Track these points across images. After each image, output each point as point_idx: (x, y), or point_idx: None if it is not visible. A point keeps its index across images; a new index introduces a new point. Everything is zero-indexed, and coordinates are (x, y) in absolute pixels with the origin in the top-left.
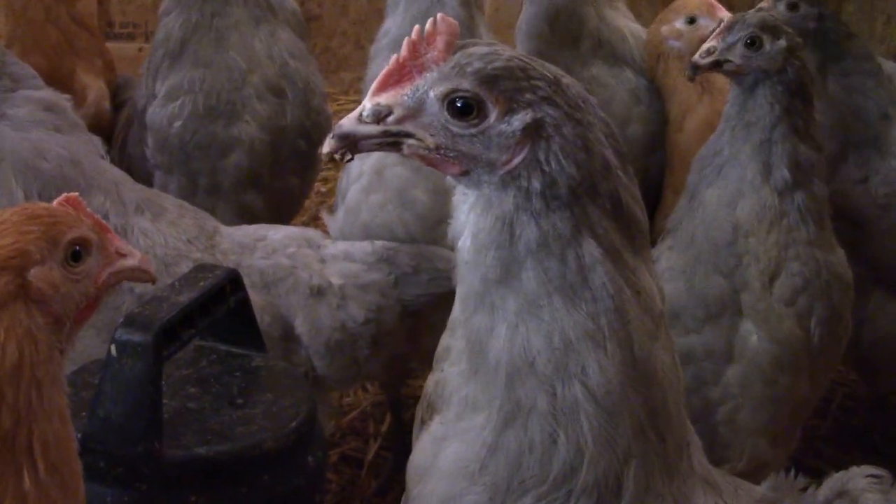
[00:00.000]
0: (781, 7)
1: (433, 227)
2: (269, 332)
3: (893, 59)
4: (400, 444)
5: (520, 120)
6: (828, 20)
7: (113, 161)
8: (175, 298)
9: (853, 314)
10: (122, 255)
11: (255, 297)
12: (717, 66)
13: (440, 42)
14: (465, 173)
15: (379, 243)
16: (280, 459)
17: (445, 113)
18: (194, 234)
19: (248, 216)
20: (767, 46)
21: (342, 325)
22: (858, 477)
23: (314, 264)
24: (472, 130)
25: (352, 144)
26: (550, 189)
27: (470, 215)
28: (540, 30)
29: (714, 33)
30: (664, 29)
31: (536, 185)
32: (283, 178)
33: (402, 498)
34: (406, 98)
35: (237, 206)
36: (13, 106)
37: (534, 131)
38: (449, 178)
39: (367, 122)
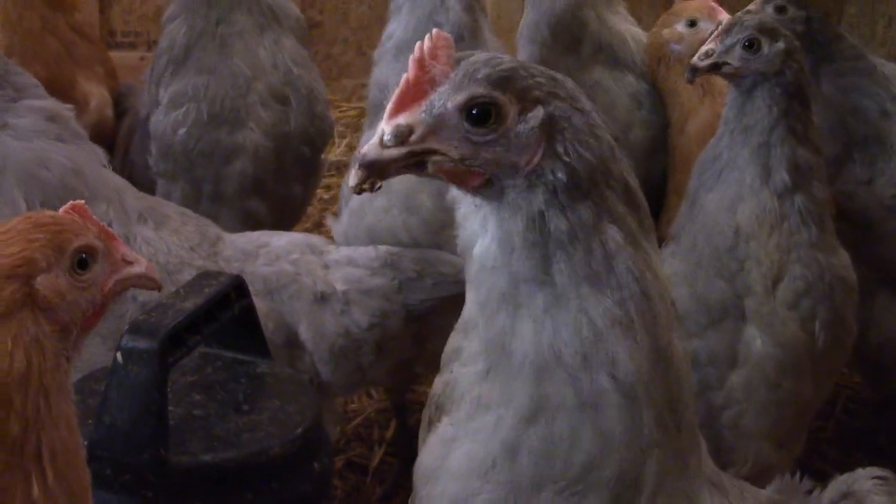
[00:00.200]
0: (769, 10)
1: (438, 231)
2: (272, 339)
3: (895, 61)
4: (405, 449)
5: (534, 117)
6: (815, 22)
7: (115, 169)
8: (180, 305)
9: (859, 316)
10: (129, 263)
11: (259, 304)
12: (715, 68)
13: (443, 56)
14: (486, 184)
15: (383, 248)
16: (286, 466)
17: (465, 123)
18: (197, 241)
19: (251, 223)
20: (765, 49)
21: (346, 330)
22: (864, 479)
23: (317, 270)
24: (493, 136)
25: (379, 172)
26: (572, 180)
27: (489, 224)
28: (541, 35)
29: (712, 36)
30: (665, 32)
31: (562, 177)
32: (286, 184)
33: (409, 499)
34: (424, 115)
35: (241, 213)
36: (16, 116)
37: (548, 126)
38: (454, 192)
39: (390, 146)
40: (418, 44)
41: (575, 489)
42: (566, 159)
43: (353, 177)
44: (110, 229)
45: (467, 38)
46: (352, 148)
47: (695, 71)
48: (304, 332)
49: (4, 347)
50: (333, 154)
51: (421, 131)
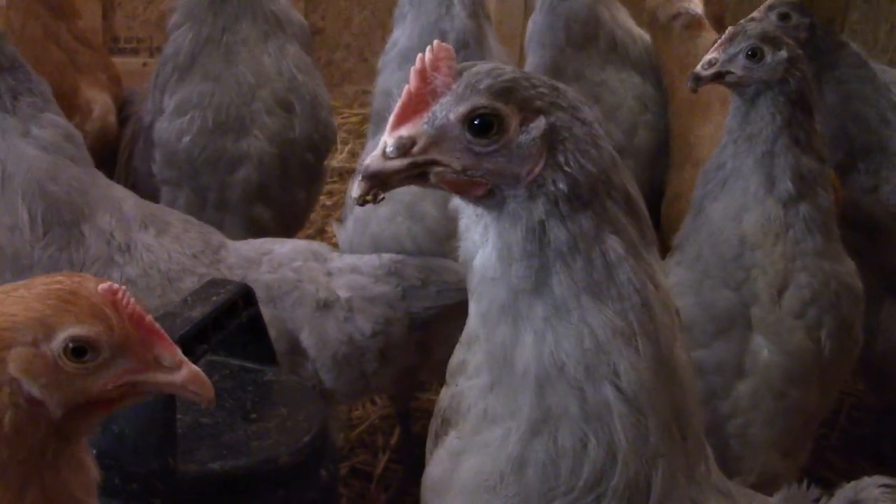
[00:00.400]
0: (773, 17)
1: (442, 240)
2: (275, 347)
3: None
4: (409, 456)
5: (536, 127)
6: (819, 30)
7: (119, 177)
8: (188, 314)
9: (864, 324)
10: (161, 367)
11: (262, 312)
12: (718, 77)
13: (444, 67)
14: (488, 194)
15: (386, 256)
16: (294, 473)
17: (467, 134)
18: (199, 248)
19: (256, 230)
20: (769, 58)
21: (349, 338)
22: (871, 487)
23: (320, 277)
24: (495, 146)
25: (382, 183)
26: (574, 190)
27: (490, 234)
28: (554, 38)
29: (715, 45)
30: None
31: (563, 187)
32: (290, 191)
33: None
34: (426, 126)
35: (246, 220)
36: (40, 126)
37: (550, 136)
38: (457, 202)
39: (392, 158)
40: (420, 55)
41: (584, 500)
42: (567, 169)
43: (356, 188)
44: (156, 327)
45: (472, 45)
46: (354, 154)
47: (698, 80)
48: (307, 340)
49: None
50: (336, 160)
51: (423, 143)
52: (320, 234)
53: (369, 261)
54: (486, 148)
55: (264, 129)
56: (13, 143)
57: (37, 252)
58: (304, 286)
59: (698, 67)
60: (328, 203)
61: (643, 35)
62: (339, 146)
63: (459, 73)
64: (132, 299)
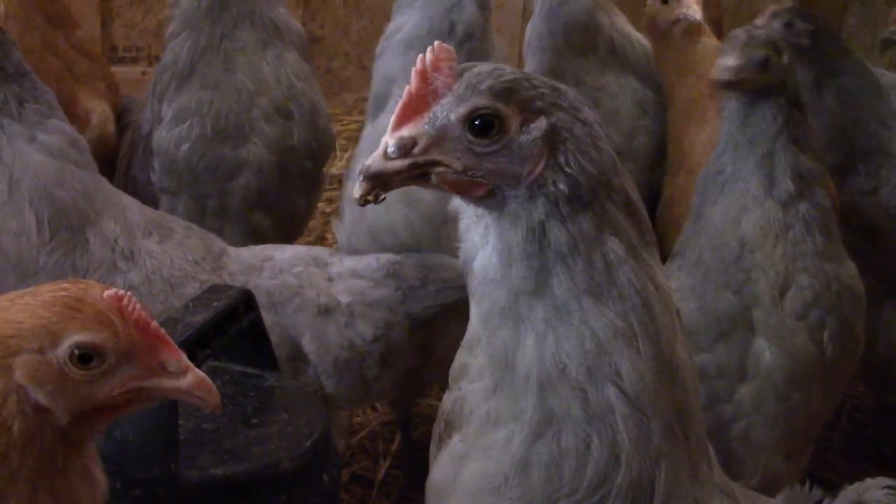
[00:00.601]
0: (777, 24)
1: (439, 227)
2: (276, 352)
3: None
4: (410, 462)
5: (537, 128)
6: (823, 37)
7: (117, 185)
8: (189, 319)
9: (865, 326)
10: (167, 373)
11: (263, 317)
12: (735, 84)
13: (445, 68)
14: (489, 194)
15: (384, 257)
16: (296, 479)
17: (468, 134)
18: (201, 255)
19: (255, 237)
20: (774, 62)
21: (350, 343)
22: (875, 489)
23: (321, 283)
24: (496, 147)
25: (383, 183)
26: (574, 191)
27: (490, 235)
28: (553, 43)
29: (727, 51)
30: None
31: (563, 188)
32: (290, 198)
33: None
34: (427, 126)
35: (245, 227)
36: (45, 132)
37: (551, 136)
38: (457, 202)
39: (393, 158)
40: (420, 56)
41: (589, 501)
42: (568, 170)
43: (357, 188)
44: (161, 333)
45: (478, 36)
46: None
47: (722, 84)
48: (308, 345)
49: None
50: (335, 167)
51: (424, 143)
52: (320, 240)
53: (368, 264)
54: (486, 148)
55: (263, 136)
56: (19, 149)
57: (42, 257)
58: (305, 292)
59: (715, 74)
60: (327, 210)
61: (642, 40)
62: (338, 153)
63: (460, 74)
64: (138, 306)
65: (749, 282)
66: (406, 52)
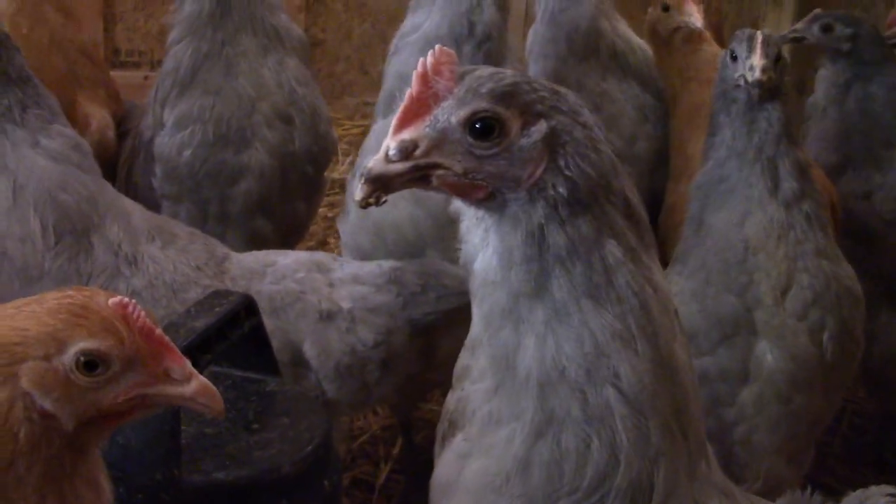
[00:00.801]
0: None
1: (444, 225)
2: (277, 358)
3: None
4: (411, 467)
5: (537, 131)
6: (864, 41)
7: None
8: (191, 324)
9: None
10: (171, 380)
11: (265, 323)
12: (764, 84)
13: (446, 71)
14: (489, 197)
15: (387, 264)
16: (297, 483)
17: (468, 137)
18: (204, 260)
19: (257, 242)
20: (783, 62)
21: (352, 348)
22: (877, 496)
23: (323, 288)
24: (496, 150)
25: (384, 186)
26: (573, 193)
27: (490, 237)
28: (555, 48)
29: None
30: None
31: (563, 191)
32: (291, 203)
33: None
34: (428, 129)
35: (247, 232)
36: (48, 137)
37: (551, 139)
38: (457, 205)
39: (394, 161)
40: (421, 59)
41: (589, 500)
42: (567, 173)
43: (358, 191)
44: (165, 340)
45: (496, 38)
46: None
47: (759, 86)
48: (309, 350)
49: None
50: (337, 172)
51: (425, 146)
52: (321, 245)
53: (370, 270)
54: (487, 151)
55: (264, 141)
56: (23, 154)
57: (47, 262)
58: (306, 297)
59: (757, 76)
60: (329, 215)
61: (643, 45)
62: (339, 158)
63: (461, 77)
64: (142, 313)
65: (752, 284)
66: (423, 51)
